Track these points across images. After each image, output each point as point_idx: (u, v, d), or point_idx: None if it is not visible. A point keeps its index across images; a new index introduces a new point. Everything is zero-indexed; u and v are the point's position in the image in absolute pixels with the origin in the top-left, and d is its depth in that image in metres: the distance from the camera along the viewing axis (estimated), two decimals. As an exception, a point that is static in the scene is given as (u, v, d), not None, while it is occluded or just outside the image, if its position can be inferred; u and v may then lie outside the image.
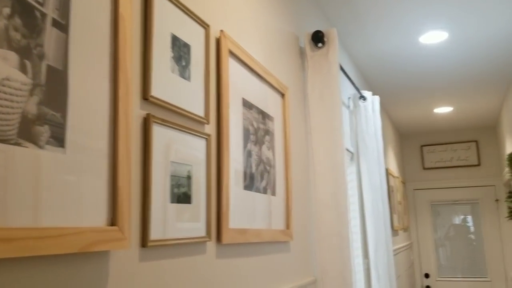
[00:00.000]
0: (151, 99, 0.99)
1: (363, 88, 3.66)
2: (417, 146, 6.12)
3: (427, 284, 5.85)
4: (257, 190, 1.50)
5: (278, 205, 1.66)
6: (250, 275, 1.40)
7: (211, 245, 1.20)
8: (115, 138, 0.88)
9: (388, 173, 4.30)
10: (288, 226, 1.71)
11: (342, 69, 2.46)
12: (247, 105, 1.48)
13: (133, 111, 0.96)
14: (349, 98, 2.97)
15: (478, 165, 5.81)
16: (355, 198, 2.91)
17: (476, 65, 3.58)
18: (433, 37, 3.03)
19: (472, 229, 5.80)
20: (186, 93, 1.13)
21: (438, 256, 5.90)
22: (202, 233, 1.15)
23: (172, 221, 1.04)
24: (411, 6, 2.62)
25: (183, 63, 1.13)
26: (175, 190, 1.05)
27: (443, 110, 4.90)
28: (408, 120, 5.34)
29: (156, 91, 1.01)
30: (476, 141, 5.85)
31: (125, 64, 0.91)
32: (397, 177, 5.07)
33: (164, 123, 1.03)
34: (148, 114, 0.99)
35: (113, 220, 0.86)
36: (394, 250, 4.14)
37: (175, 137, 1.07)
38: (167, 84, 1.06)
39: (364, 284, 2.86)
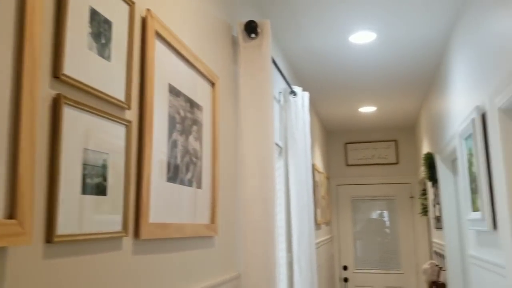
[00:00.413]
0: (62, 77, 0.88)
1: (293, 84, 3.69)
2: (342, 143, 6.33)
3: (345, 276, 6.09)
4: (182, 183, 1.42)
5: (203, 198, 1.59)
6: (170, 272, 1.33)
7: (127, 240, 1.11)
8: (17, 119, 0.77)
9: (314, 168, 4.38)
10: (213, 220, 1.66)
11: (274, 62, 2.43)
12: (173, 91, 1.39)
13: (40, 89, 0.84)
14: (280, 92, 2.97)
15: (397, 163, 6.13)
16: (281, 193, 2.92)
17: (400, 67, 3.74)
18: (362, 37, 3.10)
19: (387, 223, 6.11)
20: (105, 74, 1.03)
21: (355, 249, 6.16)
22: (118, 227, 1.06)
23: (84, 215, 0.94)
24: (343, 4, 2.65)
25: (103, 41, 1.02)
26: (88, 181, 0.95)
27: (367, 109, 5.09)
28: (334, 117, 5.49)
29: (69, 69, 0.90)
30: (395, 141, 6.16)
31: (32, 35, 0.79)
32: (322, 173, 5.20)
33: (77, 105, 0.92)
34: (58, 95, 0.88)
35: (11, 213, 0.76)
36: (316, 244, 4.25)
37: (90, 122, 0.97)
38: (82, 62, 0.95)
39: (287, 277, 2.88)
